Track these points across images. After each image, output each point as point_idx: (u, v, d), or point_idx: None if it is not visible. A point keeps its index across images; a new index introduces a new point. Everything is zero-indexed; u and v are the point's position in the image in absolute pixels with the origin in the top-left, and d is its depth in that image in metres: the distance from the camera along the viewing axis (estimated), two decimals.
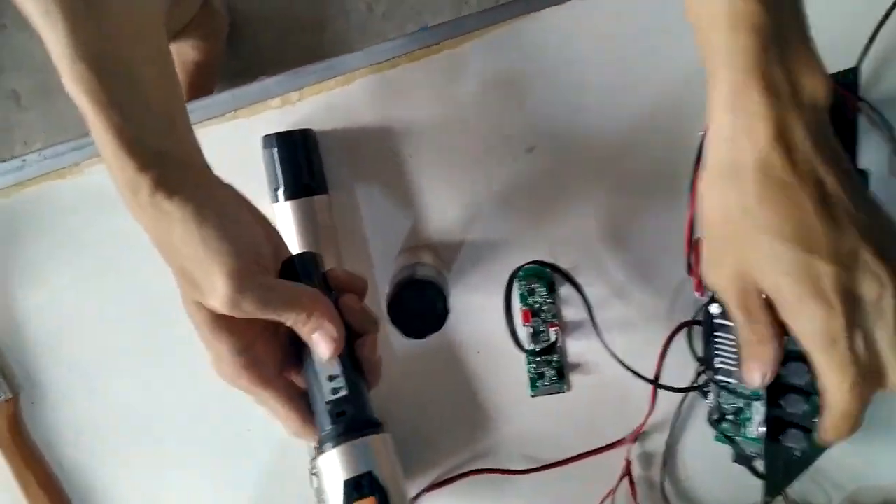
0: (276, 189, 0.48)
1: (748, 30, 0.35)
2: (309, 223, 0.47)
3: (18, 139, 0.85)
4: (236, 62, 0.84)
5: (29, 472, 0.54)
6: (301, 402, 0.40)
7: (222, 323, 0.38)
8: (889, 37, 0.49)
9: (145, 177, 0.36)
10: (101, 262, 0.52)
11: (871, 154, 0.51)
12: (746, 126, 0.35)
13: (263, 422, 0.55)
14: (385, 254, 0.53)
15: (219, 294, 0.36)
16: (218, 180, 0.40)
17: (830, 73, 0.45)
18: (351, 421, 0.38)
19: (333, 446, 0.37)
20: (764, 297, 0.38)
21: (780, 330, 0.38)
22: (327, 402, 0.38)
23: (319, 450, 0.38)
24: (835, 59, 0.49)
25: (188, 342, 0.52)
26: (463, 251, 0.53)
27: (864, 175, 0.47)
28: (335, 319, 0.39)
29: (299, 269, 0.41)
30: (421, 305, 0.43)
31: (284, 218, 0.47)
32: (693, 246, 0.50)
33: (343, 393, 0.38)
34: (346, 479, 0.37)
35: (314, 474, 0.51)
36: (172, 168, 0.38)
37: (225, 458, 0.56)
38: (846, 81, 0.45)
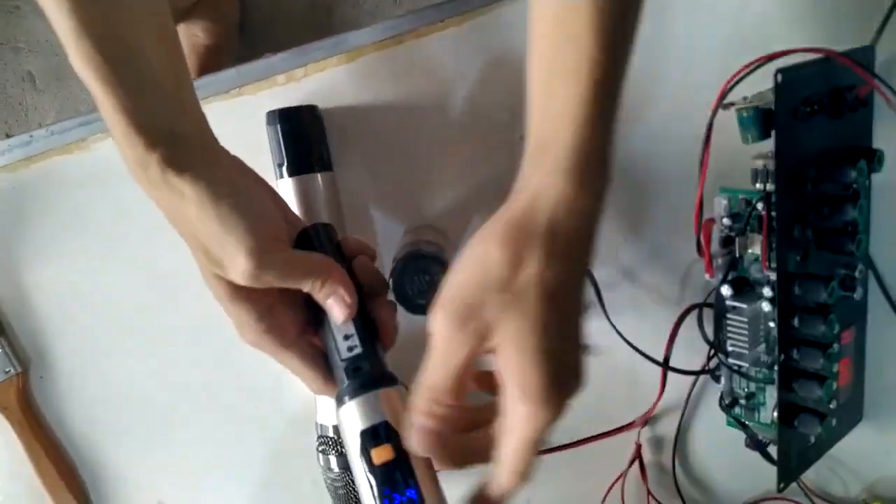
0: (280, 165, 0.47)
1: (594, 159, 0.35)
2: (312, 200, 0.47)
3: (34, 120, 0.86)
4: (247, 45, 0.84)
5: (39, 446, 0.54)
6: (321, 362, 0.42)
7: (242, 292, 0.39)
8: None
9: (154, 154, 0.37)
10: (108, 238, 0.52)
11: (885, 132, 0.49)
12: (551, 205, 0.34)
13: (272, 401, 0.55)
14: (390, 233, 0.52)
15: (240, 269, 0.37)
16: (227, 154, 0.41)
17: (845, 50, 0.43)
18: (366, 375, 0.40)
19: (350, 399, 0.39)
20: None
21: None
22: (343, 360, 0.40)
23: (339, 404, 0.40)
24: (851, 36, 0.47)
25: (196, 319, 0.53)
26: (469, 232, 0.52)
27: (877, 155, 0.46)
28: (348, 285, 0.40)
29: (314, 240, 0.43)
30: (424, 280, 0.42)
31: (287, 194, 0.47)
32: (703, 226, 0.49)
33: (358, 351, 0.40)
34: (363, 428, 0.38)
35: (322, 451, 0.50)
36: (182, 145, 0.38)
37: (233, 437, 0.56)
38: (862, 59, 0.44)
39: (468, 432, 0.38)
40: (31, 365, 0.54)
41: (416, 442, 0.37)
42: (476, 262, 0.35)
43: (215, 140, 0.41)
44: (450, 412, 0.36)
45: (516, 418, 0.35)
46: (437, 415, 0.36)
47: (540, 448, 0.36)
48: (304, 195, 0.47)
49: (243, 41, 0.87)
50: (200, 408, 0.55)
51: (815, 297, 0.45)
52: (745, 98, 0.47)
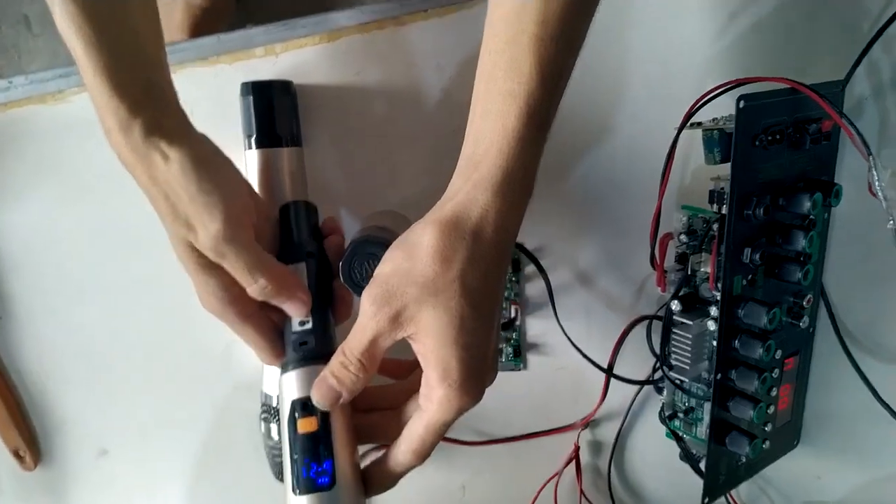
0: (249, 136, 0.48)
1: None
2: (277, 173, 0.48)
3: (26, 65, 0.86)
4: (242, 14, 0.84)
5: None
6: (276, 336, 0.44)
7: (209, 262, 0.40)
8: (880, 54, 0.48)
9: (138, 118, 0.38)
10: (76, 189, 0.53)
11: (849, 168, 0.50)
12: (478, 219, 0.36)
13: (221, 364, 0.56)
14: (354, 215, 0.53)
15: (210, 235, 0.39)
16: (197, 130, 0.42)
17: (814, 83, 0.44)
18: (310, 350, 0.43)
19: (291, 369, 0.42)
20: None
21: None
22: (294, 333, 0.43)
23: (282, 372, 0.43)
24: (823, 69, 0.48)
25: (153, 277, 0.54)
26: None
27: (834, 189, 0.46)
28: (302, 292, 0.43)
29: (292, 214, 0.46)
30: (372, 266, 0.43)
31: (253, 166, 0.47)
32: (660, 240, 0.49)
33: (308, 326, 0.43)
34: (294, 398, 0.41)
35: (264, 420, 0.52)
36: (166, 109, 0.40)
37: (180, 394, 0.57)
38: (828, 92, 0.44)
39: (366, 412, 0.42)
40: None
41: (316, 392, 0.40)
42: (405, 254, 0.37)
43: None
44: (352, 379, 0.39)
45: (431, 401, 0.37)
46: (340, 377, 0.39)
47: (443, 434, 0.39)
48: (270, 168, 0.48)
49: (239, 8, 0.87)
50: (151, 363, 0.56)
51: (757, 321, 0.46)
52: (713, 119, 0.48)
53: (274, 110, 0.48)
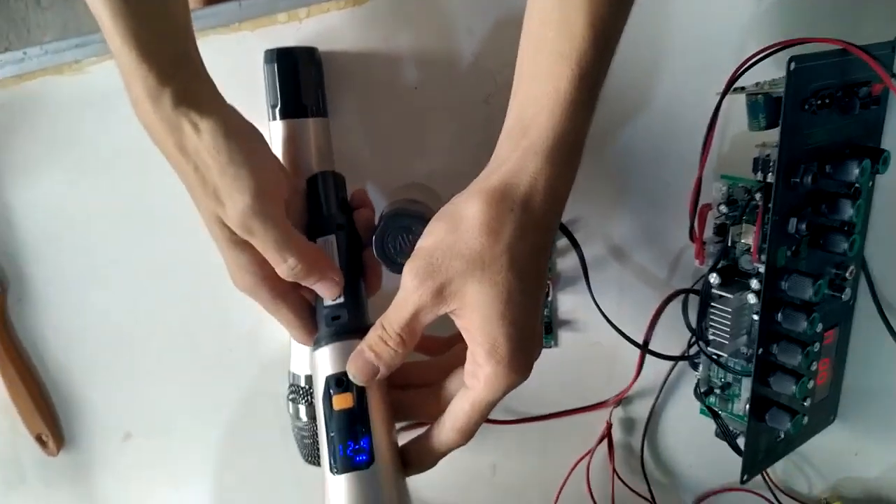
0: (274, 106, 0.46)
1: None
2: (302, 145, 0.46)
3: (35, 38, 0.84)
4: None
5: (12, 368, 0.54)
6: (309, 314, 0.43)
7: (241, 237, 0.39)
8: None
9: (168, 87, 0.37)
10: (95, 166, 0.51)
11: (891, 135, 0.48)
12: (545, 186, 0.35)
13: (246, 343, 0.55)
14: (381, 187, 0.51)
15: (238, 210, 0.38)
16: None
17: (864, 44, 0.42)
18: (343, 325, 0.41)
19: (325, 345, 0.40)
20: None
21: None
22: (326, 307, 0.42)
23: (314, 347, 0.41)
24: (874, 31, 0.46)
25: (179, 255, 0.53)
26: (459, 191, 0.51)
27: (883, 156, 0.45)
28: (333, 273, 0.41)
29: (321, 186, 0.45)
30: (407, 240, 0.41)
31: (278, 137, 0.46)
32: (699, 211, 0.48)
33: (340, 300, 0.42)
34: (328, 374, 0.39)
35: (292, 400, 0.50)
36: (194, 79, 0.39)
37: (205, 377, 0.56)
38: (879, 54, 0.42)
39: (402, 388, 0.41)
40: (9, 286, 0.54)
41: (352, 366, 0.38)
42: (449, 226, 0.36)
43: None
44: (391, 354, 0.38)
45: (478, 379, 0.36)
46: (378, 351, 0.38)
47: (489, 413, 0.38)
48: (295, 140, 0.46)
49: None
50: (175, 345, 0.55)
51: (801, 294, 0.44)
52: (756, 84, 0.46)
53: (299, 78, 0.46)
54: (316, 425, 0.50)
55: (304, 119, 0.46)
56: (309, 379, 0.49)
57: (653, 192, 0.52)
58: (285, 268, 0.39)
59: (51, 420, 0.56)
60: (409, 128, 0.51)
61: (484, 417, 0.38)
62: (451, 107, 0.50)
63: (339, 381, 0.39)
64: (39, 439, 0.56)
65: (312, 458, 0.51)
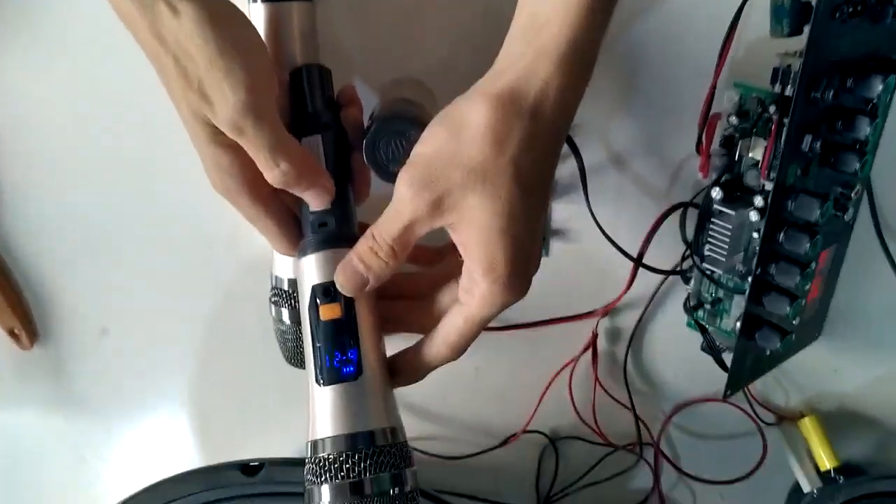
0: None
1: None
2: (285, 32, 0.41)
3: None
4: None
5: None
6: (291, 222, 0.41)
7: (225, 136, 0.35)
8: None
9: None
10: (58, 51, 0.47)
11: None
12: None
13: (227, 245, 0.53)
14: (370, 82, 0.48)
15: (230, 107, 0.34)
16: None
17: None
18: (331, 232, 0.39)
19: (311, 253, 0.38)
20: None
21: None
22: (312, 213, 0.39)
23: (299, 255, 0.39)
24: None
25: (156, 150, 0.49)
26: (455, 88, 0.48)
27: None
28: (325, 179, 0.38)
29: (305, 82, 0.41)
30: (400, 145, 0.39)
31: (258, 22, 0.41)
32: (709, 121, 0.45)
33: (327, 206, 0.39)
34: (315, 283, 0.38)
35: (274, 303, 0.49)
36: None
37: (184, 274, 0.54)
38: None
39: (392, 300, 0.40)
40: None
41: (340, 276, 0.37)
42: (450, 133, 0.33)
43: None
44: (381, 266, 0.36)
45: (473, 296, 0.35)
46: (368, 262, 0.36)
47: (481, 330, 0.37)
48: (278, 25, 0.42)
49: None
50: (152, 242, 0.53)
51: (807, 215, 0.43)
52: None
53: None
54: (299, 329, 0.49)
55: (287, 2, 0.42)
56: (292, 283, 0.48)
57: (659, 96, 0.49)
58: (277, 173, 0.36)
59: (23, 314, 0.54)
60: (402, 15, 0.46)
61: (476, 334, 0.37)
62: None
63: (326, 291, 0.37)
64: (12, 333, 0.54)
65: (295, 359, 0.50)
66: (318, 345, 0.37)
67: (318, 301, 0.37)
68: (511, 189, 0.32)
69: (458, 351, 0.37)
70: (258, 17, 0.42)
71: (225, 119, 0.34)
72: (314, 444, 0.36)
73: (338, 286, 0.37)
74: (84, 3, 0.45)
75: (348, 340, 0.37)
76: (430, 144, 0.33)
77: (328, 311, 0.37)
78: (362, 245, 0.36)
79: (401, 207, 0.34)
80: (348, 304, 0.37)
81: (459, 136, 0.32)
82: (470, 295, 0.35)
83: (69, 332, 0.55)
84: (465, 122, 0.32)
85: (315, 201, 0.39)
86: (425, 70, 0.47)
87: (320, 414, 0.36)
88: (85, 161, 0.50)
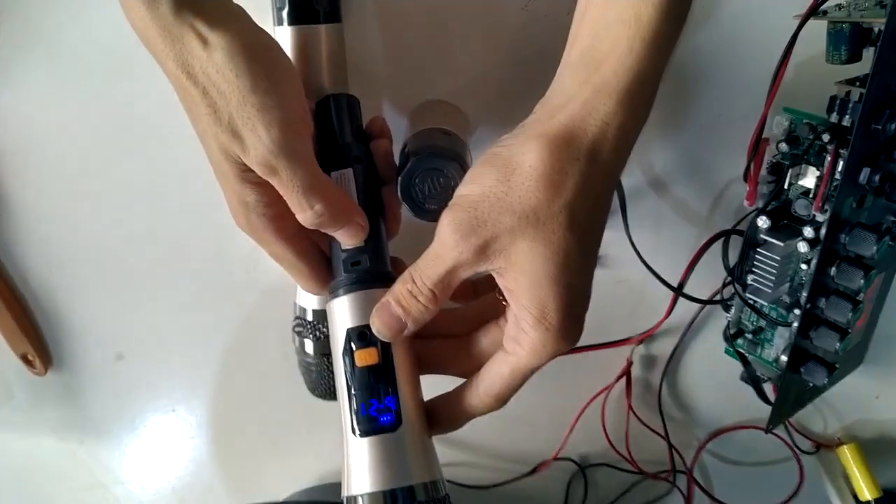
0: (281, 9, 0.39)
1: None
2: (313, 56, 0.39)
3: None
4: None
5: None
6: (319, 260, 0.39)
7: (256, 174, 0.33)
8: None
9: None
10: (74, 69, 0.44)
11: None
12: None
13: (247, 269, 0.51)
14: (399, 105, 0.45)
15: (264, 147, 0.32)
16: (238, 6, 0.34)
17: None
18: (365, 272, 0.37)
19: (344, 293, 0.36)
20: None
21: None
22: (344, 251, 0.37)
23: (331, 295, 0.37)
24: None
25: (172, 170, 0.47)
26: (489, 112, 0.46)
27: None
28: (360, 216, 0.36)
29: (334, 112, 0.39)
30: (437, 183, 0.36)
31: (285, 47, 0.39)
32: (758, 147, 0.43)
33: (360, 244, 0.37)
34: (350, 326, 0.36)
35: (298, 333, 0.47)
36: None
37: (202, 299, 0.52)
38: None
39: (425, 339, 0.37)
40: None
41: (377, 320, 0.34)
42: (500, 175, 0.31)
43: None
44: (420, 310, 0.34)
45: (521, 345, 0.33)
46: (407, 306, 0.34)
47: (528, 378, 0.34)
48: (306, 50, 0.40)
49: None
50: (169, 266, 0.51)
51: (863, 250, 0.41)
52: (837, 6, 0.40)
53: None
54: (323, 360, 0.47)
55: (315, 26, 0.40)
56: (316, 313, 0.46)
57: (704, 119, 0.47)
58: (311, 214, 0.34)
59: (36, 339, 0.52)
60: (433, 36, 0.44)
61: (522, 384, 0.34)
62: (483, 12, 0.43)
63: (361, 335, 0.35)
64: (25, 359, 0.52)
65: (318, 390, 0.48)
66: (353, 392, 0.35)
67: (353, 346, 0.35)
68: (565, 235, 0.30)
69: (502, 401, 0.35)
70: (284, 41, 0.40)
71: (257, 159, 0.32)
72: (351, 500, 0.34)
73: (374, 330, 0.35)
74: (97, 25, 0.43)
75: (386, 388, 0.35)
76: (476, 186, 0.31)
77: (364, 357, 0.35)
78: (401, 288, 0.34)
79: (443, 251, 0.32)
80: (385, 348, 0.35)
81: (510, 179, 0.30)
82: (517, 344, 0.33)
83: (84, 357, 0.54)
84: (516, 165, 0.30)
85: (349, 240, 0.37)
86: (457, 91, 0.45)
87: (356, 467, 0.35)
88: (100, 184, 0.48)
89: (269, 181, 0.33)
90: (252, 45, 0.32)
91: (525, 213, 0.30)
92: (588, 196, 0.30)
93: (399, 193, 0.37)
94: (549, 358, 0.33)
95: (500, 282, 0.33)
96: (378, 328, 0.35)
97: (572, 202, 0.30)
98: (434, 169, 0.36)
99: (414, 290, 0.33)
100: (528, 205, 0.30)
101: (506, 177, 0.30)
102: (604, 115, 0.30)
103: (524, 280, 0.31)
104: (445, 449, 0.56)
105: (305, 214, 0.34)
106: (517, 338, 0.33)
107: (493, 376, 0.34)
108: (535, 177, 0.30)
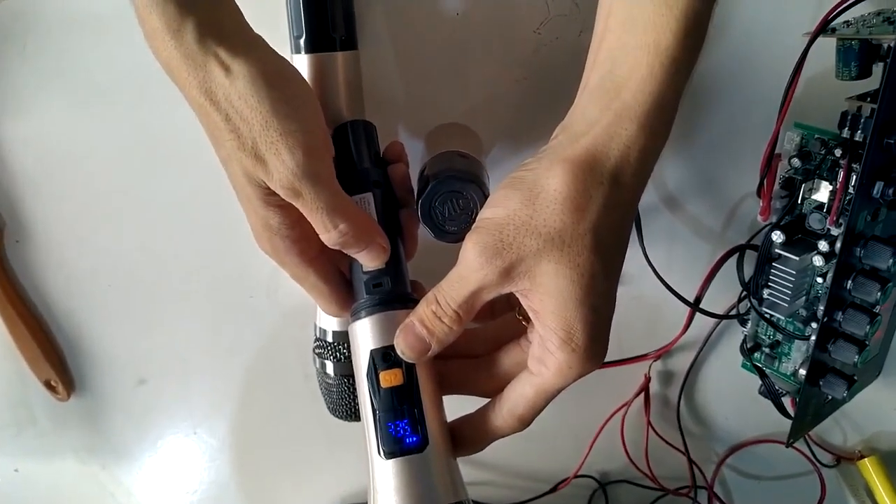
0: (298, 37, 0.40)
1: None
2: (332, 84, 0.40)
3: None
4: None
5: (13, 311, 0.51)
6: (341, 283, 0.39)
7: (280, 198, 0.34)
8: None
9: (191, 18, 0.31)
10: (92, 94, 0.46)
11: None
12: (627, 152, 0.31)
13: (268, 290, 0.52)
14: (414, 127, 0.46)
15: (288, 170, 0.33)
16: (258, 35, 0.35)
17: None
18: (387, 293, 0.37)
19: (366, 315, 0.37)
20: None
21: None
22: (365, 273, 0.38)
23: (353, 318, 0.37)
24: None
25: (190, 192, 0.48)
26: (503, 134, 0.47)
27: None
28: (381, 238, 0.37)
29: (352, 138, 0.39)
30: (457, 205, 0.37)
31: (303, 74, 0.40)
32: (771, 163, 0.43)
33: (381, 266, 0.38)
34: (374, 347, 0.36)
35: (318, 355, 0.47)
36: (222, 9, 0.33)
37: (223, 321, 0.53)
38: None
39: (445, 359, 0.37)
40: (5, 228, 0.49)
41: (401, 342, 0.35)
42: (525, 198, 0.31)
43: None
44: (445, 332, 0.34)
45: (546, 366, 0.33)
46: (432, 327, 0.34)
47: (552, 399, 0.35)
48: (323, 77, 0.40)
49: None
50: (190, 289, 0.51)
51: (878, 263, 0.41)
52: (846, 23, 0.40)
53: (328, 5, 0.40)
54: (344, 381, 0.47)
55: (332, 53, 0.40)
56: (337, 335, 0.46)
57: (716, 135, 0.47)
58: (335, 234, 0.35)
59: (59, 365, 0.53)
60: (446, 60, 0.45)
61: (546, 405, 0.35)
62: (497, 37, 0.44)
63: (385, 356, 0.36)
64: (48, 384, 0.53)
65: (339, 411, 0.49)
66: (378, 414, 0.35)
67: (377, 367, 0.36)
68: (590, 258, 0.31)
69: (526, 423, 0.35)
70: (302, 69, 0.41)
71: (281, 182, 0.33)
72: None
73: (398, 352, 0.35)
74: (117, 52, 0.44)
75: (411, 409, 0.35)
76: (501, 210, 0.32)
77: (389, 378, 0.36)
78: (425, 309, 0.34)
79: (467, 273, 0.32)
80: (409, 369, 0.36)
81: (535, 202, 0.31)
82: (542, 365, 0.33)
83: (106, 381, 0.54)
84: (541, 189, 0.31)
85: (372, 261, 0.37)
86: (471, 113, 0.46)
87: (382, 489, 0.35)
88: (121, 209, 0.49)
89: (294, 203, 0.34)
90: (273, 72, 0.33)
91: (550, 235, 0.30)
92: (612, 219, 0.31)
93: (420, 216, 0.38)
94: (574, 379, 0.33)
95: (524, 303, 0.33)
96: (402, 349, 0.35)
97: (597, 225, 0.30)
98: (454, 191, 0.37)
99: (438, 311, 0.34)
100: (554, 228, 0.30)
101: (531, 200, 0.31)
102: (626, 140, 0.30)
103: (550, 302, 0.31)
104: (466, 468, 0.55)
105: (330, 234, 0.35)
106: (543, 359, 0.33)
107: (516, 397, 0.35)
108: (560, 200, 0.30)
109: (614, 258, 0.32)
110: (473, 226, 0.32)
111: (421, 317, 0.34)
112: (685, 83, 0.31)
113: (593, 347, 0.32)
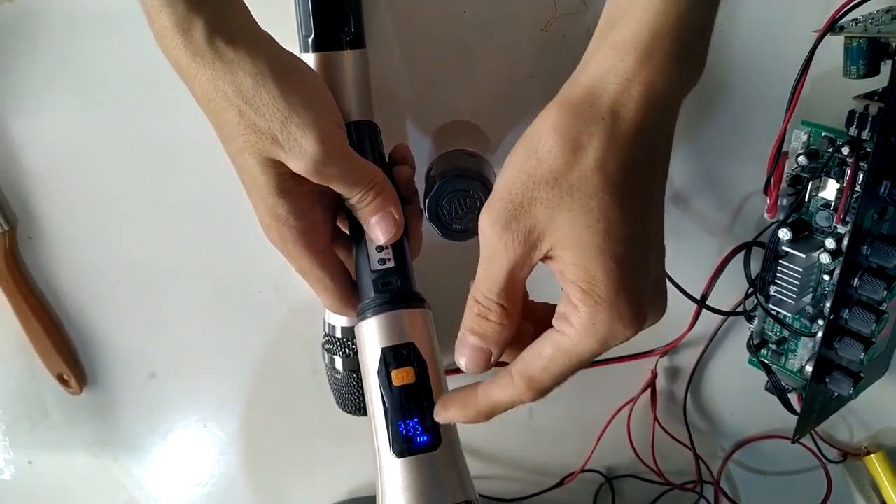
0: (307, 37, 0.40)
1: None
2: (340, 83, 0.41)
3: None
4: None
5: (27, 307, 0.51)
6: (345, 279, 0.39)
7: (290, 184, 0.35)
8: None
9: (200, 16, 0.32)
10: (105, 92, 0.46)
11: None
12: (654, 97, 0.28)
13: (276, 286, 0.52)
14: (421, 124, 0.46)
15: (308, 155, 0.33)
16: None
17: None
18: (395, 292, 0.37)
19: (377, 314, 0.36)
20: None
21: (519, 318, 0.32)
22: (374, 272, 0.38)
23: (361, 317, 0.37)
24: None
25: (199, 190, 0.49)
26: (510, 131, 0.47)
27: None
28: (398, 204, 0.37)
29: (357, 139, 0.40)
30: (464, 203, 0.37)
31: None
32: (777, 161, 0.44)
33: (390, 265, 0.38)
34: (385, 346, 0.36)
35: (327, 350, 0.48)
36: (230, 7, 0.34)
37: (232, 316, 0.53)
38: None
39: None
40: (18, 224, 0.50)
41: (462, 359, 0.32)
42: (526, 154, 0.29)
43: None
44: (496, 330, 0.31)
45: (570, 323, 0.29)
46: (483, 332, 0.31)
47: (575, 370, 0.30)
48: (331, 76, 0.40)
49: None
50: (200, 285, 0.52)
51: (885, 261, 0.41)
52: (855, 21, 0.40)
53: (334, 4, 0.40)
54: (353, 376, 0.48)
55: (339, 52, 0.41)
56: (345, 330, 0.47)
57: (723, 133, 0.47)
58: (369, 194, 0.36)
59: (71, 359, 0.54)
60: (454, 58, 0.45)
61: (566, 372, 0.30)
62: (504, 34, 0.44)
63: (397, 354, 0.35)
64: (61, 378, 0.54)
65: (348, 406, 0.49)
66: (390, 412, 0.35)
67: (388, 365, 0.35)
68: (603, 199, 0.28)
69: (535, 388, 0.31)
70: (311, 66, 0.41)
71: (305, 163, 0.34)
72: None
73: (463, 369, 0.33)
74: (116, 46, 0.45)
75: (423, 407, 0.35)
76: (507, 171, 0.30)
77: (401, 376, 0.35)
78: (469, 315, 0.32)
79: (492, 251, 0.30)
80: (421, 367, 0.36)
81: (536, 151, 0.29)
82: (565, 322, 0.29)
83: (118, 376, 0.55)
84: (540, 134, 0.29)
85: (384, 233, 0.37)
86: (477, 111, 0.46)
87: (391, 487, 0.35)
88: (131, 207, 0.50)
89: (327, 183, 0.35)
90: (282, 67, 0.34)
91: (557, 180, 0.28)
92: (620, 155, 0.28)
93: (427, 215, 0.38)
94: (603, 340, 0.29)
95: (552, 267, 0.30)
96: (467, 366, 0.32)
97: (604, 163, 0.28)
98: (461, 190, 0.37)
99: (481, 310, 0.31)
100: (558, 170, 0.28)
101: (532, 149, 0.29)
102: (623, 73, 0.28)
103: (569, 255, 0.29)
104: (472, 461, 0.57)
105: (361, 195, 0.36)
106: (566, 314, 0.29)
107: (531, 356, 0.30)
108: (555, 140, 0.28)
109: (636, 203, 0.29)
110: (486, 203, 0.31)
111: (469, 325, 0.32)
112: (697, 16, 0.28)
113: (622, 301, 0.28)
